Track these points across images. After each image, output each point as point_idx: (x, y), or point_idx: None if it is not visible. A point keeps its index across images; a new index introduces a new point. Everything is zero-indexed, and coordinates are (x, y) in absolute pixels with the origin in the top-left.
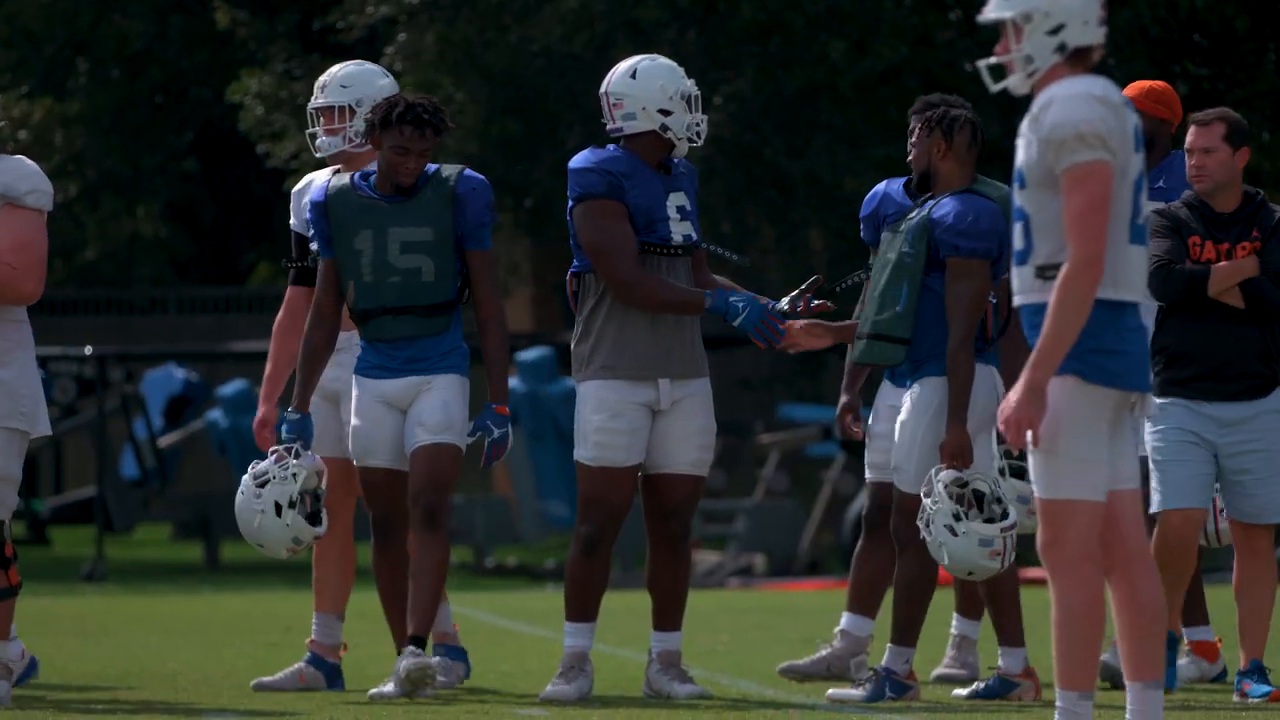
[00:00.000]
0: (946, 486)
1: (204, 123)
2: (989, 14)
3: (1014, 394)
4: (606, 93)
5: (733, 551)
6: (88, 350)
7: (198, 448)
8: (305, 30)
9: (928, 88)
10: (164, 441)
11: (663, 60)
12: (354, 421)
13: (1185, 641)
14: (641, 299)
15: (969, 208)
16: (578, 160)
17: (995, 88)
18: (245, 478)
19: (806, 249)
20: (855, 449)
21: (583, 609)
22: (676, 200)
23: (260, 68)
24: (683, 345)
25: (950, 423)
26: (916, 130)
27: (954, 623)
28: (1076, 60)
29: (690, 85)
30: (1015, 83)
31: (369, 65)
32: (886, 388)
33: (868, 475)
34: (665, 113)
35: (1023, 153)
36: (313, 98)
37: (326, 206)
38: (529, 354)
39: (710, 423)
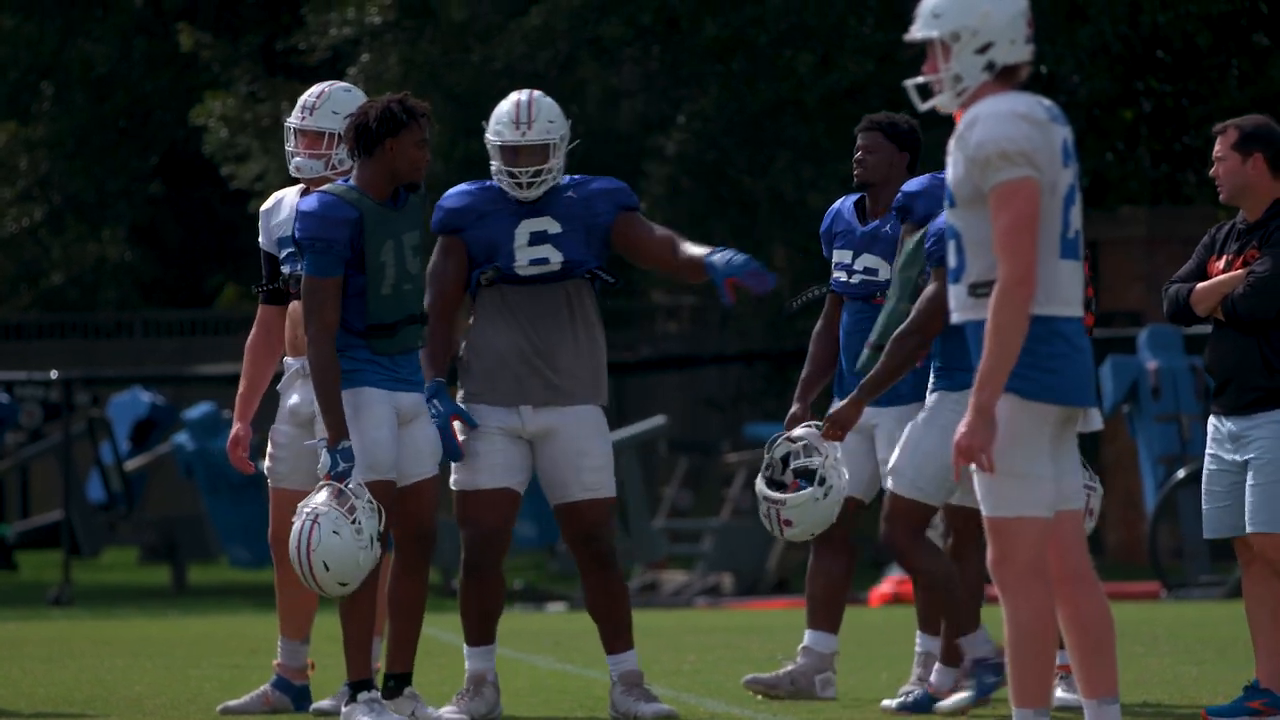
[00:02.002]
0: (778, 444)
1: (169, 145)
2: (916, 33)
3: (965, 421)
4: None
5: (700, 571)
6: (53, 374)
7: (164, 471)
8: (269, 52)
9: (892, 105)
10: (130, 465)
11: (503, 104)
12: (378, 434)
13: None
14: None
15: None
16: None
17: (923, 106)
18: (329, 516)
19: (770, 267)
20: None
21: (477, 632)
22: (534, 225)
23: (224, 90)
24: (551, 372)
25: (852, 399)
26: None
27: (918, 640)
28: (1004, 78)
29: (494, 135)
30: (944, 101)
31: (354, 90)
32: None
33: None
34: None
35: (951, 171)
36: (296, 115)
37: (362, 221)
38: None
39: (595, 445)
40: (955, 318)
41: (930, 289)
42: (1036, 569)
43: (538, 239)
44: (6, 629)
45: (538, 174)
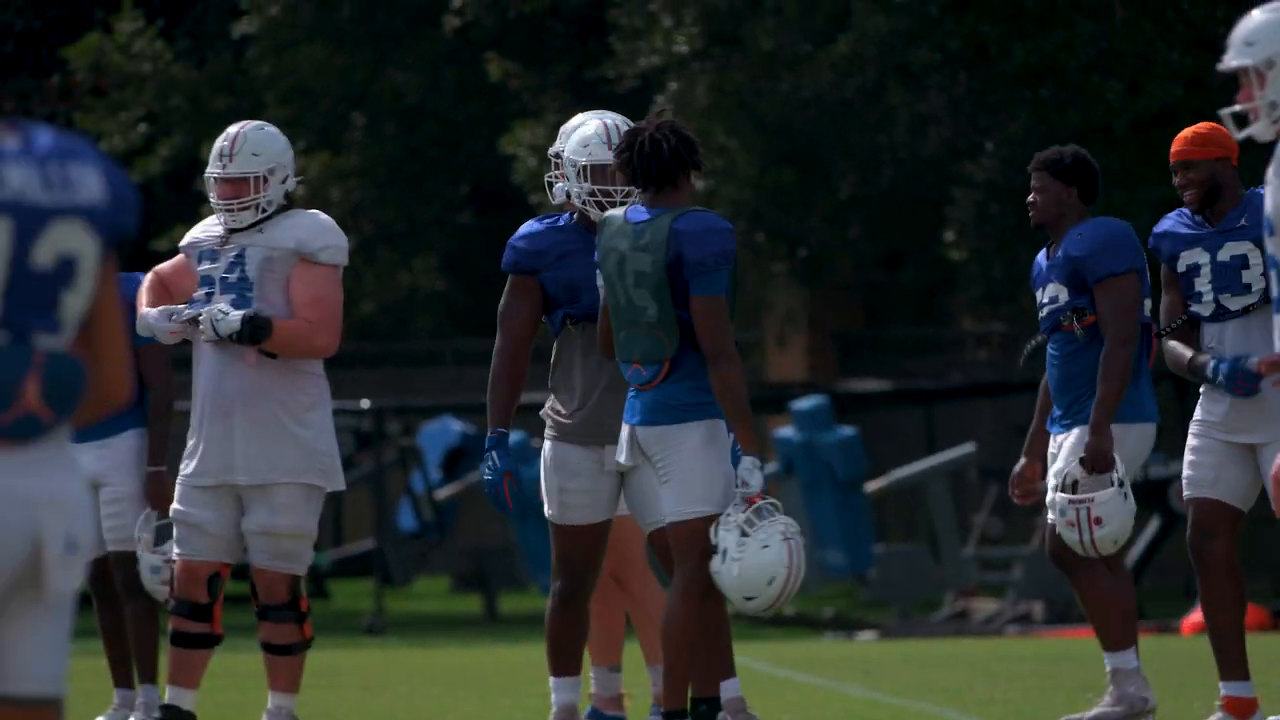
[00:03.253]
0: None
1: (479, 175)
2: (1231, 62)
3: None
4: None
5: (1010, 599)
6: (365, 404)
7: (475, 500)
8: (577, 81)
9: None
10: (441, 494)
11: (583, 123)
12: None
13: None
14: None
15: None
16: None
17: (1239, 135)
18: (780, 535)
19: None
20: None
21: (566, 663)
22: None
23: (533, 119)
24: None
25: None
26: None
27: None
28: None
29: (583, 155)
30: (1260, 130)
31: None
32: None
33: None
34: (567, 179)
35: (1270, 199)
36: (562, 143)
37: None
38: (804, 402)
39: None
40: None
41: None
42: None
43: None
44: (322, 658)
45: (628, 194)
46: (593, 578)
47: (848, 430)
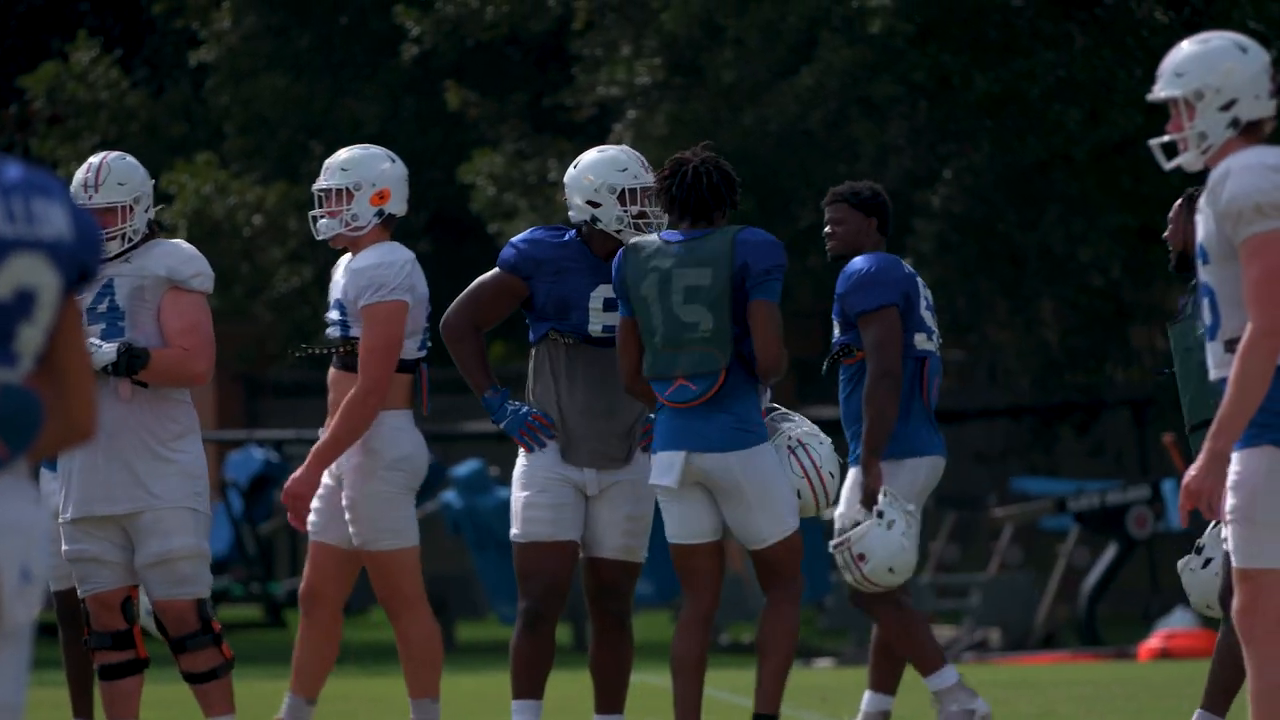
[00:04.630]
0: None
1: (437, 204)
2: (1160, 92)
3: (1196, 464)
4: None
5: (967, 626)
6: (322, 433)
7: (432, 529)
8: (536, 109)
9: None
10: (265, 528)
11: (611, 150)
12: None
13: None
14: (453, 354)
15: None
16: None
17: (1168, 165)
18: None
19: (1039, 322)
20: (1089, 522)
21: (529, 686)
22: (608, 291)
23: (491, 148)
24: (612, 436)
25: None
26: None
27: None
28: (1249, 134)
29: (626, 179)
30: (1188, 160)
31: (373, 149)
32: None
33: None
34: (594, 204)
35: (1202, 228)
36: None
37: None
38: None
39: (638, 509)
40: (1213, 374)
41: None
42: None
43: (610, 305)
44: (278, 688)
45: (642, 215)
46: (559, 599)
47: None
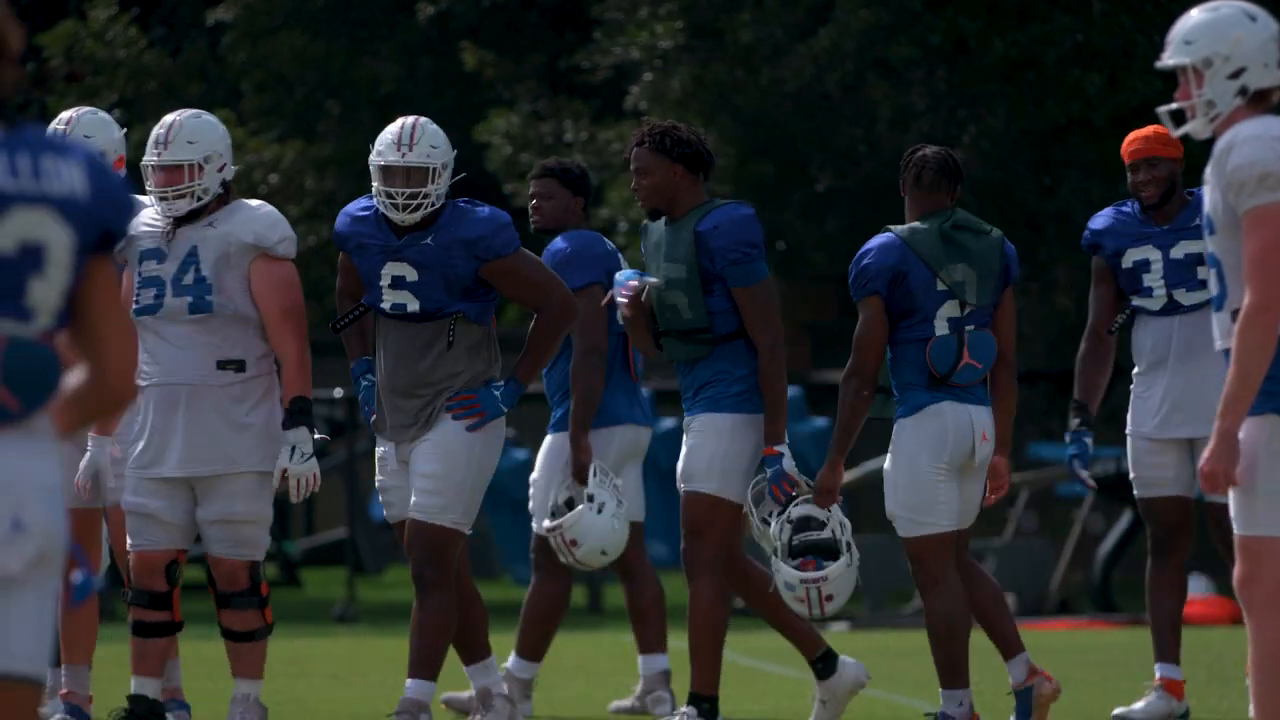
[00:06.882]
0: (791, 521)
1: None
2: (1168, 60)
3: (1208, 447)
4: None
5: None
6: (338, 393)
7: None
8: (552, 70)
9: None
10: None
11: (388, 128)
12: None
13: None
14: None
15: None
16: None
17: (1176, 133)
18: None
19: (1054, 287)
20: (1107, 487)
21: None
22: (394, 270)
23: (508, 108)
24: (409, 411)
25: (828, 462)
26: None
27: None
28: (1257, 103)
29: (374, 157)
30: (1196, 128)
31: (102, 113)
32: None
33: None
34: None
35: (1208, 198)
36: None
37: None
38: None
39: (437, 467)
40: (1219, 344)
41: (860, 325)
42: None
43: (398, 283)
44: (293, 646)
45: (412, 196)
46: (427, 568)
47: (821, 422)
